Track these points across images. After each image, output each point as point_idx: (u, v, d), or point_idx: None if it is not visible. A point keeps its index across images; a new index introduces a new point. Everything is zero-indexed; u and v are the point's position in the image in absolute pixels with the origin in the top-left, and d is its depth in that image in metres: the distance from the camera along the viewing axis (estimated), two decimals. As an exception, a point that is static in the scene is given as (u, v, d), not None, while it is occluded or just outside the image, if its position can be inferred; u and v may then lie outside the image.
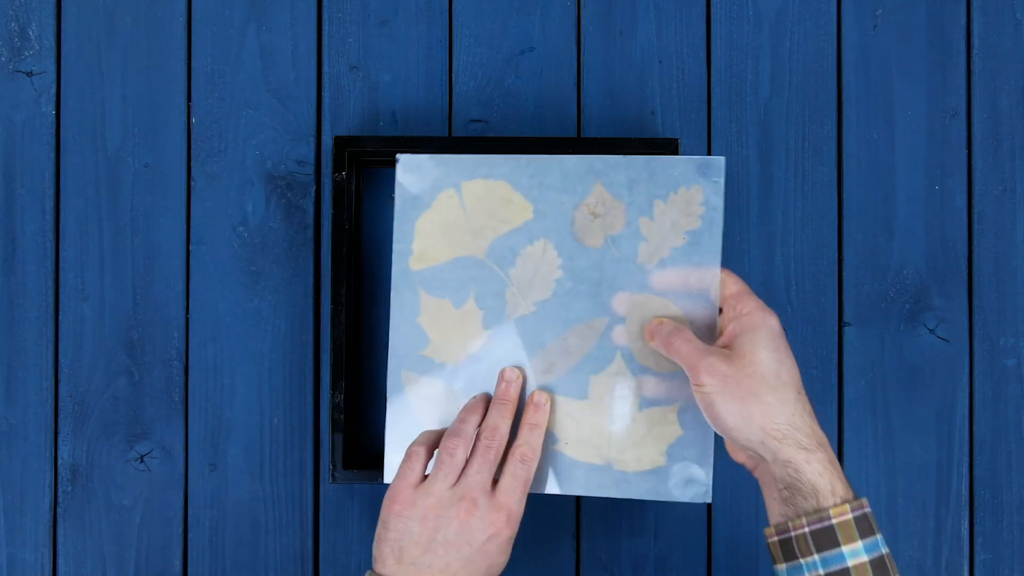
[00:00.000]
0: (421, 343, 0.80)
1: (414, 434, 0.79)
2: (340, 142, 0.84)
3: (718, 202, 0.77)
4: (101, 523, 0.88)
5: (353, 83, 0.89)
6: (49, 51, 0.89)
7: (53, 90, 0.89)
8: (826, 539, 0.69)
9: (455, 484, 0.74)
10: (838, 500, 0.69)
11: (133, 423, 0.88)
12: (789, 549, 0.70)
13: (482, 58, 0.89)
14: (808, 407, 0.71)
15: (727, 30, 0.89)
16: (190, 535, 0.88)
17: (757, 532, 0.87)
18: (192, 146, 0.89)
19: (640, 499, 0.80)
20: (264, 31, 0.89)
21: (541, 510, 0.88)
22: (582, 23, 0.89)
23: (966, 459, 0.88)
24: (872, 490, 0.88)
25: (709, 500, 0.78)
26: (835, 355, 0.88)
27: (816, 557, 0.69)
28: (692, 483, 0.78)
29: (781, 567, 0.71)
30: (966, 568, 0.88)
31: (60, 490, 0.88)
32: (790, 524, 0.70)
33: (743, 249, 0.88)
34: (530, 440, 0.77)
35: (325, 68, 0.89)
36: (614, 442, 0.79)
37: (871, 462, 0.88)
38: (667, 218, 0.78)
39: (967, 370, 0.88)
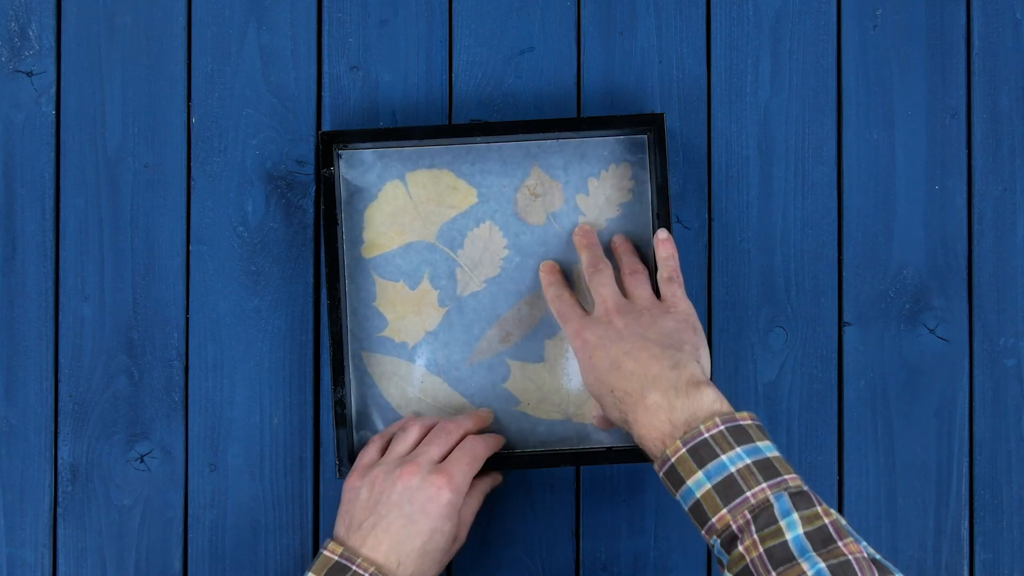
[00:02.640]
0: (380, 325, 0.86)
1: (381, 413, 0.85)
2: (326, 137, 0.84)
3: (645, 176, 0.85)
4: (101, 523, 0.88)
5: (353, 83, 0.89)
6: (49, 51, 0.89)
7: (53, 90, 0.89)
8: (674, 477, 0.72)
9: (405, 455, 0.79)
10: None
11: (133, 423, 0.88)
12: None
13: (482, 58, 0.89)
14: (624, 390, 0.75)
15: (727, 30, 0.89)
16: (190, 535, 0.88)
17: None
18: (192, 146, 0.89)
19: (601, 447, 0.85)
20: (264, 31, 0.89)
21: (541, 510, 0.88)
22: (582, 23, 0.89)
23: (966, 459, 0.88)
24: (872, 490, 0.88)
25: None
26: (835, 355, 0.88)
27: (677, 495, 0.72)
28: None
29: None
30: (966, 568, 0.88)
31: (60, 490, 0.88)
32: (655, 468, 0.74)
33: (743, 249, 0.88)
34: (488, 440, 0.82)
35: (325, 68, 0.89)
36: (571, 398, 0.86)
37: (871, 462, 0.88)
38: (601, 193, 0.86)
39: (967, 370, 0.88)
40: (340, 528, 0.77)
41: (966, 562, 0.88)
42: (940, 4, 0.89)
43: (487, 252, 0.86)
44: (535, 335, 0.86)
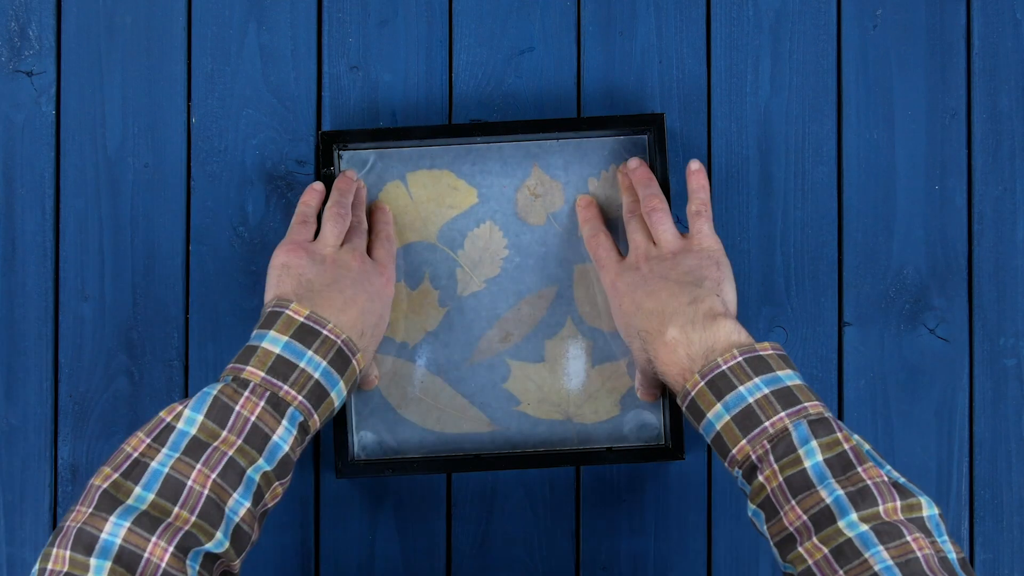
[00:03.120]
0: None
1: (381, 413, 0.85)
2: (326, 137, 0.84)
3: None
4: (101, 523, 0.88)
5: (353, 83, 0.89)
6: (49, 51, 0.89)
7: (53, 90, 0.89)
8: (695, 411, 0.72)
9: (340, 246, 0.79)
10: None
11: (133, 423, 0.88)
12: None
13: (482, 58, 0.89)
14: (647, 327, 0.75)
15: (727, 30, 0.89)
16: (190, 535, 0.88)
17: (757, 532, 0.87)
18: (192, 146, 0.89)
19: (600, 447, 0.86)
20: (264, 31, 0.89)
21: (541, 509, 0.88)
22: (582, 23, 0.89)
23: (966, 459, 0.88)
24: (872, 490, 0.88)
25: (662, 442, 0.85)
26: (835, 355, 0.88)
27: (700, 430, 0.73)
28: (645, 427, 0.86)
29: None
30: (966, 568, 0.88)
31: (60, 490, 0.88)
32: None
33: (743, 249, 0.88)
34: (389, 230, 0.84)
35: (325, 68, 0.89)
36: (572, 398, 0.86)
37: (871, 462, 0.88)
38: (601, 193, 0.86)
39: (967, 370, 0.88)
40: (290, 292, 0.75)
41: (966, 562, 0.88)
42: (940, 4, 0.89)
43: (487, 252, 0.86)
44: (535, 335, 0.86)
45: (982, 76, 0.89)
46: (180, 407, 0.69)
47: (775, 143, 0.89)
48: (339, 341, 0.73)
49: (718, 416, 0.70)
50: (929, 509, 0.65)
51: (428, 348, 0.86)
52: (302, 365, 0.71)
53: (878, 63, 0.89)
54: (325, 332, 0.72)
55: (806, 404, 0.69)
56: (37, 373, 0.88)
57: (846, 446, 0.67)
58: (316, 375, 0.71)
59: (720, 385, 0.70)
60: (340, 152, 0.85)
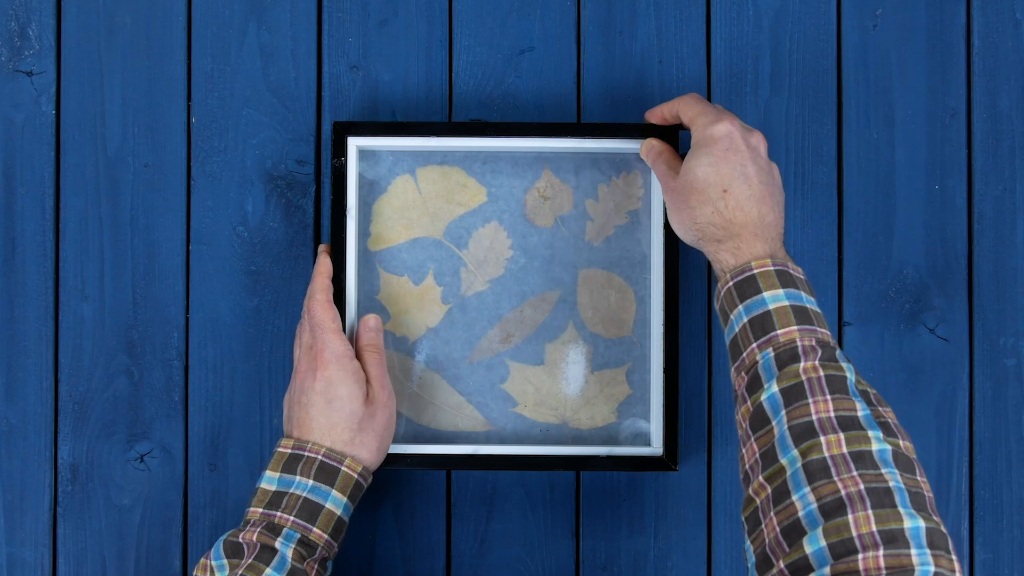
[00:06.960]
0: (382, 318, 0.85)
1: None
2: (339, 127, 0.84)
3: (654, 184, 0.85)
4: (101, 523, 0.88)
5: (353, 83, 0.89)
6: (49, 51, 0.89)
7: (53, 90, 0.89)
8: (748, 287, 0.72)
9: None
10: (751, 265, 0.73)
11: (133, 423, 0.88)
12: (723, 311, 0.74)
13: (482, 58, 0.89)
14: (738, 202, 0.74)
15: (727, 30, 0.89)
16: (190, 535, 0.88)
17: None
18: (192, 146, 0.89)
19: (594, 455, 0.84)
20: (264, 31, 0.89)
21: (541, 510, 0.88)
22: (582, 23, 0.89)
23: (966, 459, 0.88)
24: (872, 490, 0.88)
25: (658, 452, 0.83)
26: (835, 355, 0.88)
27: (740, 307, 0.72)
28: (640, 436, 0.86)
29: (726, 338, 0.75)
30: (966, 568, 0.88)
31: (60, 490, 0.88)
32: (720, 286, 0.74)
33: (743, 249, 0.88)
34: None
35: (325, 68, 0.89)
36: (569, 403, 0.86)
37: (871, 462, 0.88)
38: (611, 200, 0.86)
39: (967, 370, 0.88)
40: (286, 428, 0.80)
41: (966, 562, 0.88)
42: (940, 4, 0.89)
43: (492, 252, 0.86)
44: (536, 337, 0.86)
45: (982, 76, 0.89)
46: (206, 560, 0.75)
47: (775, 143, 0.89)
48: (319, 456, 0.77)
49: (776, 298, 0.71)
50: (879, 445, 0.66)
51: (428, 344, 0.86)
52: (291, 491, 0.76)
53: (878, 63, 0.89)
54: (305, 454, 0.77)
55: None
56: (37, 373, 0.88)
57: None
58: (304, 494, 0.76)
59: (785, 278, 0.72)
60: (352, 142, 0.84)
